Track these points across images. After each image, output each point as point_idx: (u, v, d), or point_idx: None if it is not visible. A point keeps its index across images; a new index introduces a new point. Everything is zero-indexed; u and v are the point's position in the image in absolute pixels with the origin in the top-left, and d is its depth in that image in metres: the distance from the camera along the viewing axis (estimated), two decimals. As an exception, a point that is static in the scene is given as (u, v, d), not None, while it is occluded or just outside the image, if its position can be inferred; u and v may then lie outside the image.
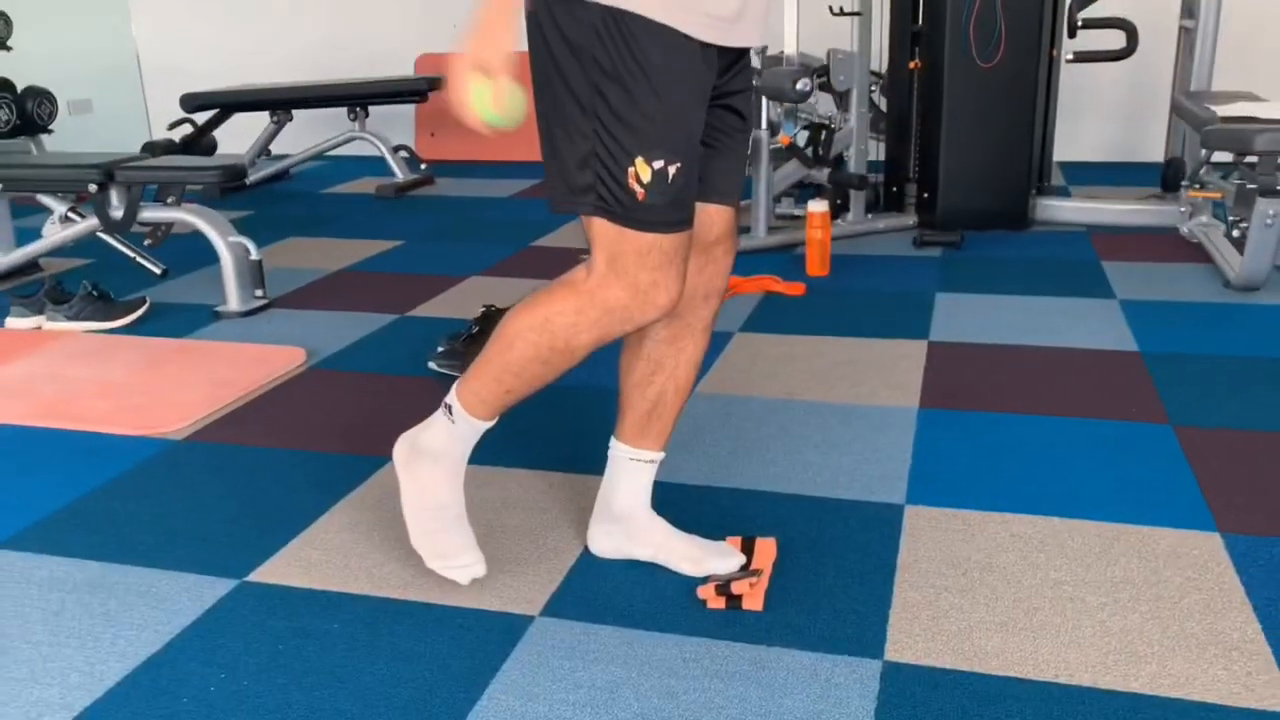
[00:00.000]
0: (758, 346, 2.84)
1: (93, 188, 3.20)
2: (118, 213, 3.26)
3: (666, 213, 1.47)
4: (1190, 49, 3.93)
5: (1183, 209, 3.74)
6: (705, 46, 1.45)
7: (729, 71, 1.55)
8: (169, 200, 3.26)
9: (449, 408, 1.67)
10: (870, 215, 4.05)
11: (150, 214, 3.26)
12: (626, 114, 1.42)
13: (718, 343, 2.85)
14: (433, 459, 1.71)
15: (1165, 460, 2.10)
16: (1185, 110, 3.55)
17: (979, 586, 1.69)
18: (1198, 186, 3.66)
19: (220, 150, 5.68)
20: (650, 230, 1.47)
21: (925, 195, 3.99)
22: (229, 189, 5.22)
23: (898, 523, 1.89)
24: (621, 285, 1.50)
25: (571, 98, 1.44)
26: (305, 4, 6.25)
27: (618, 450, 1.76)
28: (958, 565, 1.75)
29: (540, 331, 1.55)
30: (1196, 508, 1.90)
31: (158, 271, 3.31)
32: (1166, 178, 4.19)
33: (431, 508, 1.72)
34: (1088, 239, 3.83)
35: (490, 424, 1.67)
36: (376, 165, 5.57)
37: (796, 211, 4.19)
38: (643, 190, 1.44)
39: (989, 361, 2.68)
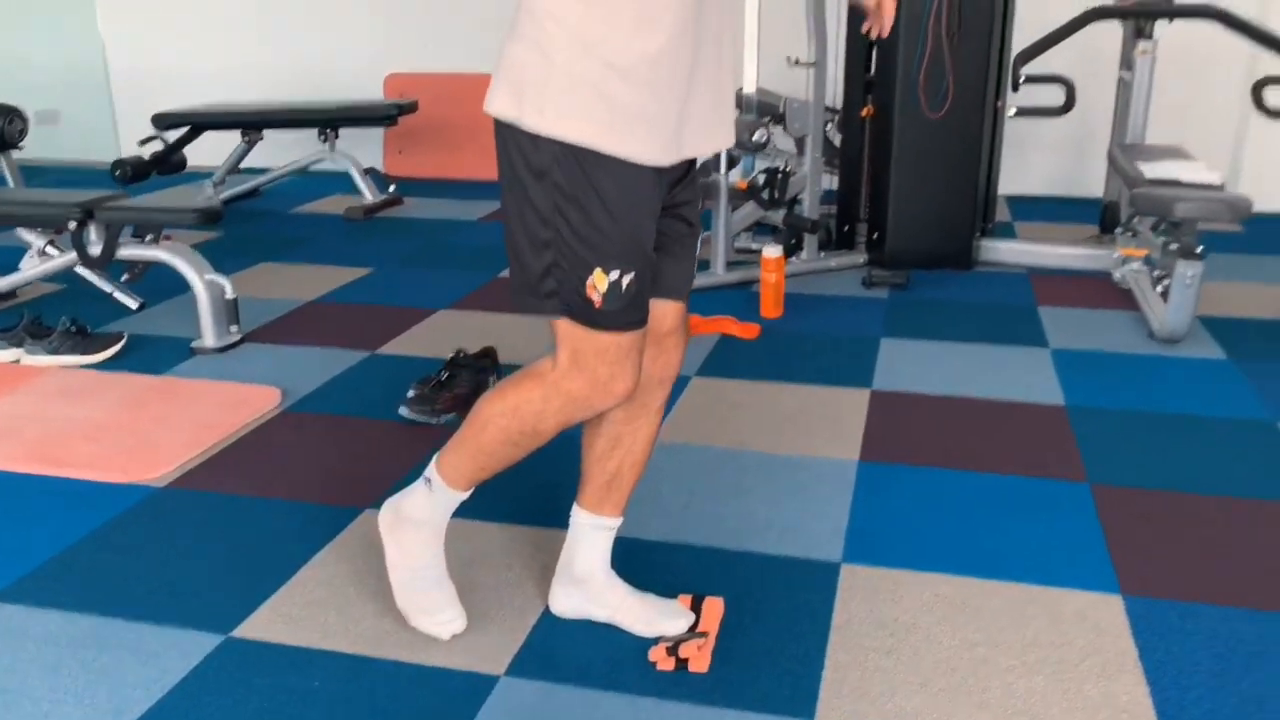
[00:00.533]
0: (714, 392, 3.01)
1: (72, 225, 3.31)
2: (96, 249, 3.36)
3: (622, 316, 1.63)
4: (1127, 101, 4.14)
5: (1116, 254, 3.95)
6: (656, 168, 1.61)
7: (679, 184, 1.72)
8: (147, 238, 3.37)
9: (429, 480, 1.84)
10: (823, 253, 4.23)
11: (129, 251, 3.37)
12: (585, 232, 1.58)
13: (676, 387, 3.01)
14: (415, 525, 1.87)
15: (1080, 520, 2.29)
16: (1118, 164, 3.76)
17: (903, 647, 1.87)
18: (1130, 235, 3.87)
19: (190, 164, 5.75)
20: (608, 330, 1.63)
21: (875, 235, 4.18)
22: (199, 208, 5.31)
23: (834, 581, 2.07)
24: (583, 377, 1.66)
25: (536, 214, 1.60)
26: (274, 19, 6.32)
27: (579, 517, 1.92)
28: (885, 626, 1.93)
29: (510, 417, 1.71)
30: (1103, 569, 2.10)
31: (134, 306, 3.42)
32: (1104, 220, 4.41)
33: (415, 569, 1.89)
34: (1027, 281, 4.03)
35: (467, 495, 1.84)
36: (345, 181, 5.66)
37: (753, 245, 4.36)
38: (600, 298, 1.61)
39: (925, 413, 2.86)
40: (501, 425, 1.73)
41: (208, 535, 2.27)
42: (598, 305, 1.61)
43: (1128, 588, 2.04)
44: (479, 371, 2.95)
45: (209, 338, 3.37)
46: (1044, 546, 2.19)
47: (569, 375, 1.67)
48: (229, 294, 3.36)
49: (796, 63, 3.88)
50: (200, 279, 3.32)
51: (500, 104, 1.60)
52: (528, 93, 1.56)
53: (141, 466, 2.57)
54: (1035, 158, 5.47)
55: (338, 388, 3.09)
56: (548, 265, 1.62)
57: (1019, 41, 4.11)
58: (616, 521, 1.92)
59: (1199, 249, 3.15)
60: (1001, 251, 4.21)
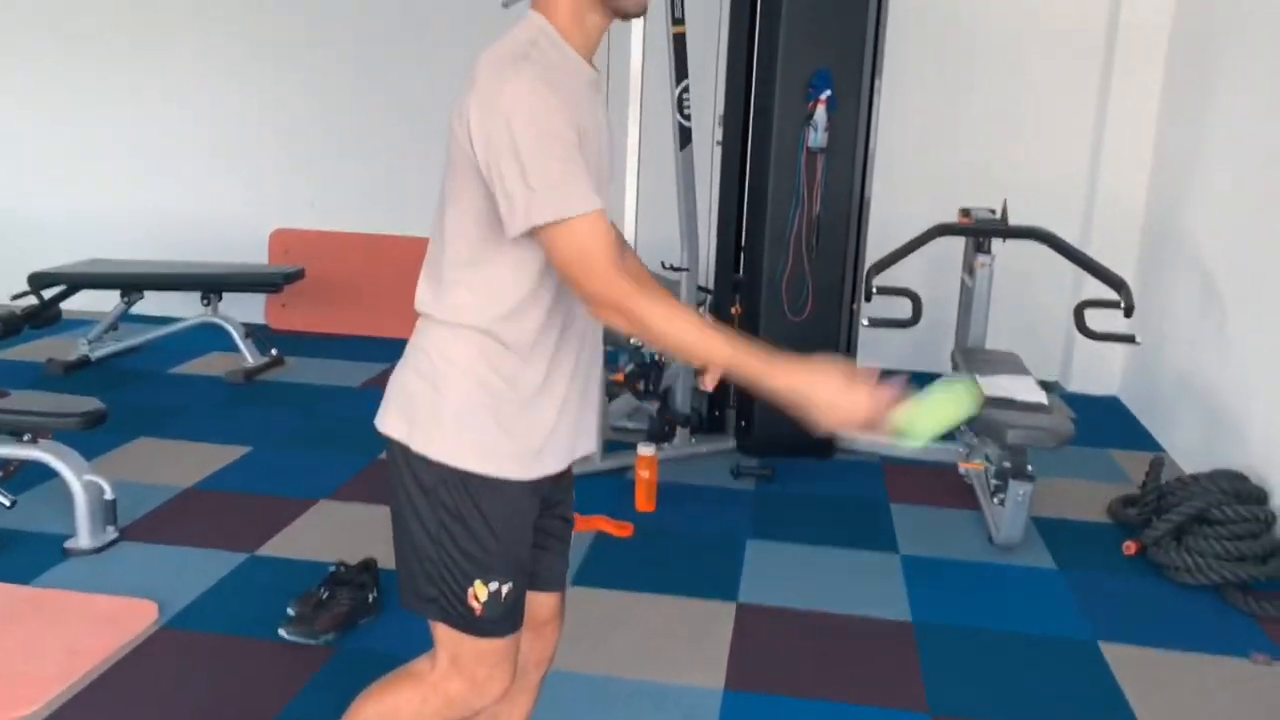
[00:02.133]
0: (586, 606, 3.14)
1: (-54, 425, 3.29)
2: (-30, 448, 3.34)
3: (499, 623, 1.77)
4: (968, 305, 4.54)
5: (960, 450, 4.29)
6: (534, 480, 1.77)
7: (555, 486, 1.88)
8: (25, 437, 3.37)
9: None
10: (694, 438, 4.46)
11: (5, 450, 3.36)
12: (467, 547, 1.72)
13: (550, 601, 3.14)
14: None
15: (921, 757, 2.50)
16: (959, 371, 4.11)
17: None
18: (972, 434, 4.22)
19: (66, 314, 5.68)
20: (486, 636, 1.77)
21: (743, 423, 4.44)
22: (73, 368, 5.26)
23: (696, 833, 2.22)
24: (462, 679, 1.79)
25: (421, 526, 1.74)
26: (158, 172, 6.35)
27: (457, 790, 2.02)
28: None
29: (388, 719, 1.81)
30: (939, 816, 2.30)
31: (7, 504, 3.40)
32: (951, 409, 4.77)
33: None
34: (881, 471, 4.33)
35: None
36: (226, 337, 5.65)
37: (629, 424, 4.57)
38: (480, 607, 1.74)
39: (785, 631, 3.06)
40: None
41: (82, 788, 2.28)
42: (478, 614, 1.74)
43: (960, 836, 2.24)
44: (359, 587, 3.03)
45: (84, 538, 3.36)
46: (888, 788, 2.38)
47: (448, 677, 1.79)
48: (108, 495, 3.37)
49: (671, 268, 4.16)
50: (79, 480, 3.32)
51: (392, 426, 1.75)
52: (418, 420, 1.71)
53: (14, 701, 2.55)
54: (891, 335, 5.85)
55: (216, 598, 3.11)
56: (430, 574, 1.75)
57: (872, 252, 4.48)
58: (494, 791, 2.03)
59: (1029, 469, 3.48)
60: (859, 441, 4.51)
